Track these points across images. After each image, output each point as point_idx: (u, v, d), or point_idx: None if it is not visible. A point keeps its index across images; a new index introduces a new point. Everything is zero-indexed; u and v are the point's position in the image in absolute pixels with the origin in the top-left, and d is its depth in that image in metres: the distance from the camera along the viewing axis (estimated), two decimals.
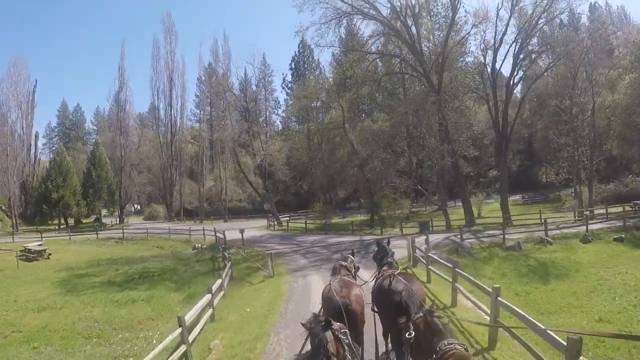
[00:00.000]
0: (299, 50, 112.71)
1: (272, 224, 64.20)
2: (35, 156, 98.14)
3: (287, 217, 74.40)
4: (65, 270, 40.26)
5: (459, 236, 38.23)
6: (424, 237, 31.39)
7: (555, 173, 66.96)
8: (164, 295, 29.14)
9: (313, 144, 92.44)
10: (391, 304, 9.08)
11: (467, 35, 55.16)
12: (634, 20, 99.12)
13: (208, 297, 17.98)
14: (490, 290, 12.71)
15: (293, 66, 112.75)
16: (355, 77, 59.94)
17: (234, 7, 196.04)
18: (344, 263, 11.64)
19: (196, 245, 50.89)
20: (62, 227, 79.93)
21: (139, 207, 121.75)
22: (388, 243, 12.53)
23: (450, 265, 18.06)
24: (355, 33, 71.26)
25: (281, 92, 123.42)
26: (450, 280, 17.62)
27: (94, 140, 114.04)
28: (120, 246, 56.56)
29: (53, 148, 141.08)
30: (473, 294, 17.13)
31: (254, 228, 64.51)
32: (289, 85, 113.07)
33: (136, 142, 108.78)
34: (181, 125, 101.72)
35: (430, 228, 47.74)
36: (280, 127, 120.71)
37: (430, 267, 22.46)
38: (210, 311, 18.33)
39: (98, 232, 63.88)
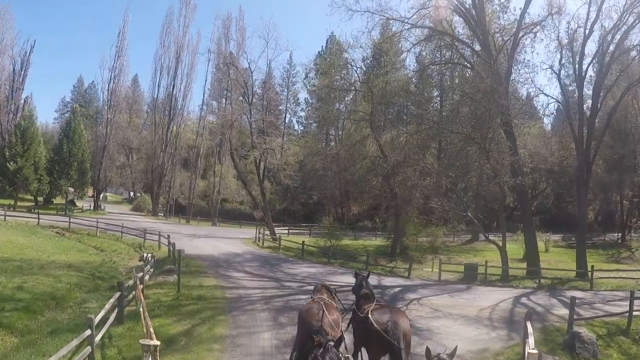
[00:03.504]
0: (326, 46, 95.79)
1: (261, 237, 46.98)
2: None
3: (287, 229, 58.05)
4: None
5: (532, 296, 25.56)
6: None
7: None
8: None
9: (330, 148, 75.67)
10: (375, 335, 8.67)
11: (542, 21, 37.51)
12: None
13: None
14: None
15: (318, 62, 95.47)
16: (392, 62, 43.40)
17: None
18: (326, 283, 11.99)
19: (145, 255, 34.32)
20: (17, 204, 63.53)
21: (132, 194, 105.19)
22: (368, 276, 11.93)
23: None
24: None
25: (302, 88, 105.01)
26: None
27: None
28: (54, 240, 40.40)
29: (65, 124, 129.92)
30: None
31: (239, 240, 48.40)
32: (312, 83, 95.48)
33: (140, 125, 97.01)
34: (183, 107, 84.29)
35: (478, 274, 31.90)
36: (300, 129, 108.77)
37: None
38: None
39: (40, 217, 47.56)
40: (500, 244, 33.23)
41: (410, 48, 42.21)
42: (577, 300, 24.79)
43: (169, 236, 35.80)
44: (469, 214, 34.57)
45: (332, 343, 7.66)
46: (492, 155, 31.74)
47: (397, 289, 25.65)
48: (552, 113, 69.78)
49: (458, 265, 34.75)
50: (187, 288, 22.08)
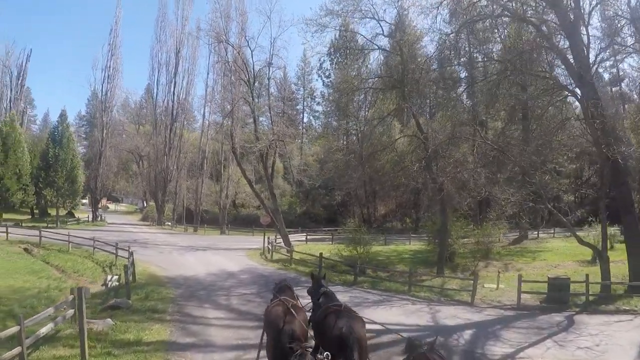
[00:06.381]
0: (339, 33, 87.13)
1: (271, 248, 36.78)
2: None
3: (304, 236, 48.36)
4: None
5: None
6: None
7: None
8: None
9: (351, 142, 69.21)
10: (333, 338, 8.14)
11: None
12: None
13: None
14: None
15: (332, 51, 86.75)
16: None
17: None
18: (289, 284, 10.71)
19: (110, 277, 25.60)
20: (2, 218, 55.17)
21: (145, 204, 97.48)
22: (325, 276, 11.47)
23: None
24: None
25: (317, 80, 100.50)
26: None
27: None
28: (13, 258, 32.21)
29: (82, 135, 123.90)
30: None
31: (244, 252, 38.82)
32: (327, 74, 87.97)
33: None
34: (185, 105, 75.40)
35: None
36: (318, 125, 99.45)
37: None
38: None
39: (10, 232, 39.69)
40: (599, 247, 22.89)
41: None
42: None
43: (132, 253, 26.17)
44: (549, 206, 24.10)
45: (309, 349, 7.81)
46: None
47: (467, 333, 15.48)
48: None
49: (531, 281, 23.68)
50: (110, 347, 12.47)
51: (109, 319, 15.01)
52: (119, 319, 15.42)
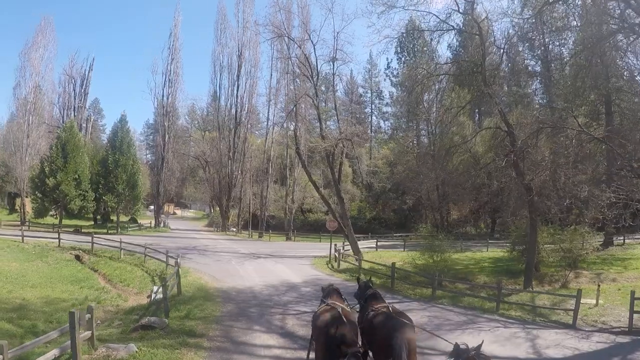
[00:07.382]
0: (406, 30, 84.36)
1: (338, 256, 33.73)
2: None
3: (375, 242, 45.47)
4: None
5: None
6: None
7: None
8: None
9: (422, 144, 67.60)
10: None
11: None
12: None
13: None
14: None
15: (399, 50, 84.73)
16: None
17: None
18: (337, 288, 10.48)
19: (156, 288, 22.92)
20: (62, 224, 55.23)
21: (212, 210, 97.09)
22: (370, 280, 11.48)
23: None
24: None
25: (385, 79, 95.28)
26: None
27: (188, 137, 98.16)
28: (60, 265, 32.31)
29: (150, 144, 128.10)
30: None
31: (309, 260, 35.96)
32: (395, 73, 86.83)
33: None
34: (249, 108, 73.12)
35: None
36: (387, 126, 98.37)
37: None
38: None
39: (62, 238, 39.16)
40: None
41: None
42: None
43: (178, 262, 23.88)
44: None
45: (360, 351, 7.74)
46: None
47: None
48: None
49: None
50: None
51: (132, 344, 12.27)
52: (148, 343, 12.69)
